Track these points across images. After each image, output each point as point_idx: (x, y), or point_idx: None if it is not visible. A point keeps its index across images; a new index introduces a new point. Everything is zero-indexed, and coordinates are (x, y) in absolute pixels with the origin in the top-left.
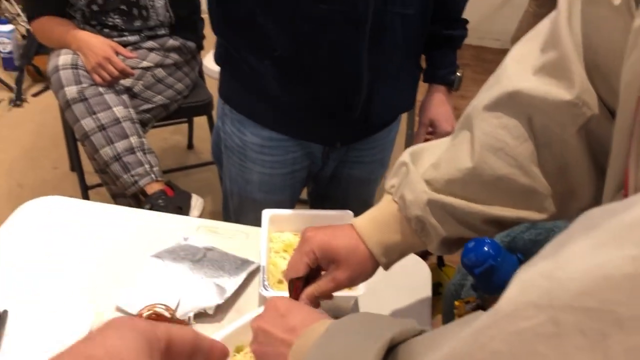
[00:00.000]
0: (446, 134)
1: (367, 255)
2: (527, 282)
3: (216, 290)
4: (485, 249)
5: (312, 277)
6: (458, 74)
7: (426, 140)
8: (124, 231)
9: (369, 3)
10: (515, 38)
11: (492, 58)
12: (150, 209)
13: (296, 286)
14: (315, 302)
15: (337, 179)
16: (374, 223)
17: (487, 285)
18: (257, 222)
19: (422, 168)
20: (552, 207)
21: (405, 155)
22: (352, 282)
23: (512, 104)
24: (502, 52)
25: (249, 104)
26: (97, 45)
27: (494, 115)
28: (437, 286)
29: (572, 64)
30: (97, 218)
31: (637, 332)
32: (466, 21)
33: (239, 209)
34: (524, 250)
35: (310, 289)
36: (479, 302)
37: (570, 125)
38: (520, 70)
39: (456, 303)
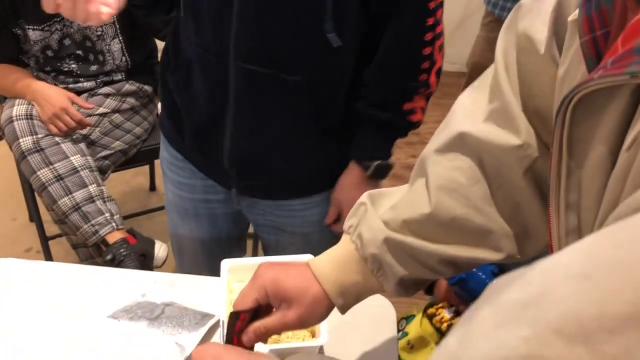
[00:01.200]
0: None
1: (321, 296)
2: None
3: (175, 348)
4: None
5: (261, 313)
6: (378, 162)
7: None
8: (78, 291)
9: (229, 61)
10: (470, 63)
11: (450, 82)
12: (112, 259)
13: (242, 319)
14: (262, 338)
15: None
16: (331, 263)
17: (464, 294)
18: (192, 264)
19: (380, 209)
20: (509, 247)
21: (364, 197)
22: (302, 324)
23: (463, 145)
24: (460, 75)
25: (164, 118)
26: (52, 96)
27: (447, 157)
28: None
29: (515, 111)
30: (49, 279)
31: None
32: (406, 112)
33: (173, 239)
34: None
35: (258, 324)
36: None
37: (517, 168)
38: (470, 116)
39: (431, 310)
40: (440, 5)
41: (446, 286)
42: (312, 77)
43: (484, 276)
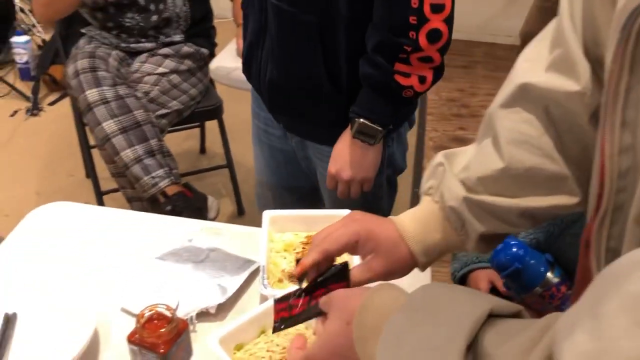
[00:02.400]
0: (330, 175)
1: (407, 253)
2: None
3: (218, 289)
4: (514, 250)
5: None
6: (362, 120)
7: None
8: (129, 235)
9: None
10: (523, 32)
11: (503, 55)
12: (172, 210)
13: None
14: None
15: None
16: (415, 222)
17: (516, 286)
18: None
19: (456, 168)
20: (583, 190)
21: (440, 157)
22: (387, 277)
23: (527, 96)
24: (513, 48)
25: None
26: None
27: (513, 110)
28: None
29: (577, 58)
30: (103, 223)
31: None
32: (396, 72)
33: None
34: (545, 246)
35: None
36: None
37: (583, 113)
38: (531, 67)
39: None
40: None
41: (484, 286)
42: (320, 19)
43: (542, 268)
